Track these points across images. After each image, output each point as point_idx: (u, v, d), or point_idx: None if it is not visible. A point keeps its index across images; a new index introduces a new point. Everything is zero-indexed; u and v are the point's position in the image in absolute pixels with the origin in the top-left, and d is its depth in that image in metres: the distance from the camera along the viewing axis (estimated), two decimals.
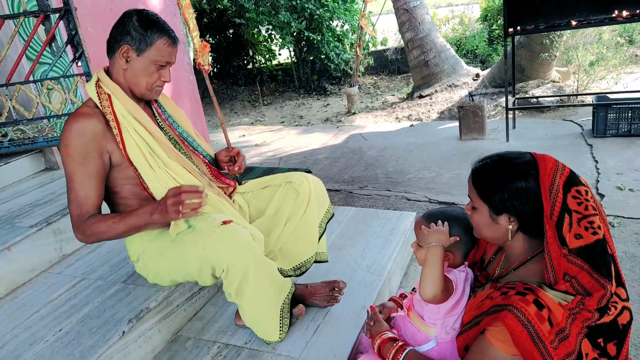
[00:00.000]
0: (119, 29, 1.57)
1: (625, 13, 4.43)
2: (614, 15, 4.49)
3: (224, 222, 1.54)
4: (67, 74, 2.47)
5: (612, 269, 1.10)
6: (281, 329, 1.63)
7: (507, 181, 1.18)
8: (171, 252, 1.62)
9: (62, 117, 2.48)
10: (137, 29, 1.54)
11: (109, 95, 1.59)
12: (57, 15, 2.37)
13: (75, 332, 1.61)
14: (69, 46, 2.41)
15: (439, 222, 1.38)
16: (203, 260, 1.54)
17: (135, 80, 1.60)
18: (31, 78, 2.46)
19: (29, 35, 2.44)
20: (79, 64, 2.41)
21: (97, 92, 1.59)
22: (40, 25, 2.43)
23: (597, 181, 3.75)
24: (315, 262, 1.91)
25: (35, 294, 1.91)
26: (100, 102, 1.58)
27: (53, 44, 2.46)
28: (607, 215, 3.15)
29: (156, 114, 1.76)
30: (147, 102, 1.76)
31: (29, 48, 2.61)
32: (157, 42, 1.55)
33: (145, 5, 3.60)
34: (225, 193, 1.85)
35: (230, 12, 10.74)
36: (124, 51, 1.56)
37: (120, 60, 1.58)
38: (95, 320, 1.67)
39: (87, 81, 2.39)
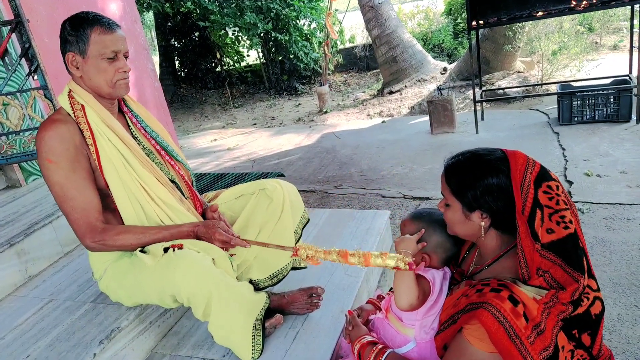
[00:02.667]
0: (60, 41, 1.53)
1: (584, 2, 4.54)
2: (572, 4, 4.60)
3: (174, 247, 1.51)
4: (24, 89, 2.37)
5: (584, 262, 1.11)
6: (254, 347, 1.59)
7: (479, 178, 1.18)
8: (130, 277, 1.57)
9: (21, 134, 2.39)
10: (70, 33, 1.51)
11: (82, 106, 1.54)
12: (8, 27, 2.27)
13: (44, 358, 1.54)
14: (23, 59, 2.32)
15: (409, 226, 1.38)
16: (162, 290, 1.51)
17: (93, 83, 1.55)
18: None
19: None
20: (35, 77, 2.31)
21: (70, 103, 1.55)
22: None
23: (565, 168, 3.83)
24: (294, 269, 1.88)
25: (0, 320, 1.82)
26: (74, 113, 1.54)
27: (6, 58, 2.36)
28: (576, 202, 3.22)
29: (130, 124, 1.71)
30: (120, 111, 1.70)
31: None
32: (91, 35, 1.50)
33: (103, 11, 3.50)
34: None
35: (194, 14, 10.59)
36: (71, 60, 1.53)
37: (72, 69, 1.55)
38: (64, 343, 1.61)
39: (45, 95, 2.31)
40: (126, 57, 1.59)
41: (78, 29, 1.50)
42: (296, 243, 1.87)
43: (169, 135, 1.81)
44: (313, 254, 1.41)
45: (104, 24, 1.52)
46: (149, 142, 1.72)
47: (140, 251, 1.57)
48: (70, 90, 1.57)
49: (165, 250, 1.53)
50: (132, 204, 1.57)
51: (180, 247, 1.53)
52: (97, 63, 1.52)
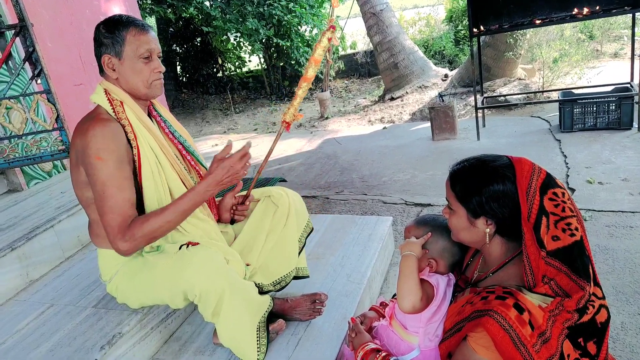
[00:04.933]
0: (94, 44, 1.54)
1: (585, 10, 4.55)
2: (574, 12, 4.62)
3: (190, 243, 1.50)
4: (27, 92, 2.37)
5: (590, 269, 1.10)
6: (259, 349, 1.59)
7: (485, 184, 1.17)
8: (142, 277, 1.57)
9: (23, 137, 2.39)
10: (105, 36, 1.52)
11: (121, 102, 1.54)
12: (12, 32, 2.27)
13: None
14: (27, 63, 2.32)
15: (414, 231, 1.37)
16: (174, 286, 1.49)
17: (130, 85, 1.55)
18: None
19: None
20: (39, 81, 2.31)
21: (108, 100, 1.54)
22: None
23: (567, 176, 3.82)
24: (296, 277, 1.87)
25: (0, 324, 1.82)
26: (114, 109, 1.53)
27: (10, 62, 2.36)
28: (579, 210, 3.21)
29: (158, 128, 1.71)
30: (149, 114, 1.71)
31: None
32: (127, 36, 1.51)
33: (106, 16, 3.51)
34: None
35: (197, 20, 10.63)
36: (107, 62, 1.54)
37: (109, 72, 1.55)
38: (65, 348, 1.60)
39: (48, 99, 2.31)
40: (159, 58, 1.60)
41: (113, 31, 1.51)
42: (300, 251, 1.87)
43: (193, 140, 1.82)
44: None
45: (138, 25, 1.54)
46: (176, 147, 1.73)
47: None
48: (105, 89, 1.57)
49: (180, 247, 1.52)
50: (159, 207, 1.55)
51: (196, 244, 1.52)
52: (133, 64, 1.53)
